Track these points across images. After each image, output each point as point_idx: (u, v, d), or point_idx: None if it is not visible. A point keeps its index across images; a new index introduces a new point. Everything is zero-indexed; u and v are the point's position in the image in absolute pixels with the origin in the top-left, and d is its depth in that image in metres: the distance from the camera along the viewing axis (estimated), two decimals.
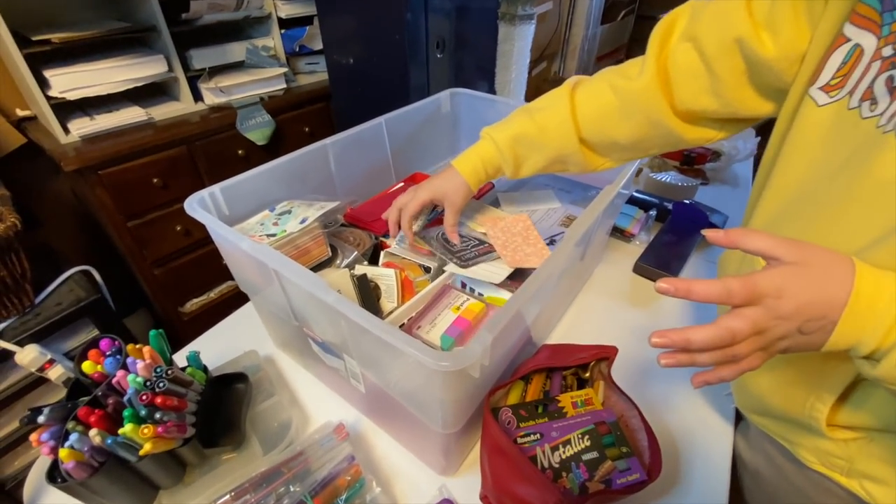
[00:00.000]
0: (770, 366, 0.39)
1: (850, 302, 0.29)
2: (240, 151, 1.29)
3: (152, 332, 0.53)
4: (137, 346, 0.51)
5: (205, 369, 0.60)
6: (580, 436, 0.56)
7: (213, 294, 1.41)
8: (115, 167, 1.09)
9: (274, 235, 0.60)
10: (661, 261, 0.89)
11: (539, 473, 0.45)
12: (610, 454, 0.54)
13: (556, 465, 0.53)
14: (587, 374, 0.65)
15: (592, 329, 0.78)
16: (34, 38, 1.01)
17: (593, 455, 0.54)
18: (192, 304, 1.37)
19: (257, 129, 1.28)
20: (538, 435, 0.55)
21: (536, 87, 2.03)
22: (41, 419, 0.43)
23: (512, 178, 0.63)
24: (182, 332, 1.36)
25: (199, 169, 1.23)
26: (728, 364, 0.34)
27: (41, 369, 0.84)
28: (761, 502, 0.60)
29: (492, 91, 1.37)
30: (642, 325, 0.79)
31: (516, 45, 1.23)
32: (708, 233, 0.35)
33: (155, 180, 1.15)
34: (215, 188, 0.62)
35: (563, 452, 0.54)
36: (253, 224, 0.64)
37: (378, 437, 0.63)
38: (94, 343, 0.50)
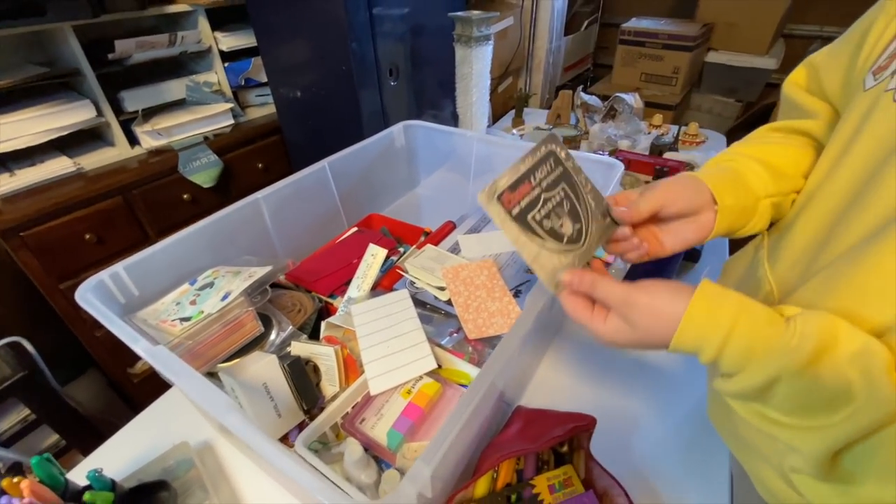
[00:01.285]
0: None
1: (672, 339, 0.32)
2: (185, 196, 1.19)
3: (34, 460, 0.43)
4: (15, 479, 0.42)
5: (112, 485, 0.50)
6: None
7: None
8: (40, 226, 0.98)
9: (189, 319, 0.51)
10: None
11: None
12: None
13: None
14: (564, 449, 0.57)
15: (569, 382, 0.70)
16: None
17: None
18: (143, 364, 1.25)
19: (202, 171, 1.18)
20: None
21: (503, 104, 1.98)
22: None
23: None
24: (134, 395, 1.25)
25: (140, 219, 1.13)
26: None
27: None
28: None
29: (454, 114, 1.31)
30: (624, 369, 0.71)
31: (475, 68, 1.17)
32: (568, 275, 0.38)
33: (87, 236, 1.04)
34: (118, 267, 0.53)
35: None
36: (168, 304, 0.55)
37: None
38: None
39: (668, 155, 1.36)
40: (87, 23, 0.98)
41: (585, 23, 2.36)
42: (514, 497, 0.51)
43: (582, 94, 1.62)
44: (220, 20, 1.25)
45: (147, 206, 1.13)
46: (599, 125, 1.48)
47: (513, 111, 1.75)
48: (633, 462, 0.60)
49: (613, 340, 0.37)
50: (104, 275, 0.51)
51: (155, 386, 0.68)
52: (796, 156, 0.46)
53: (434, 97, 1.38)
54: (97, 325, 1.14)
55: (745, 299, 0.32)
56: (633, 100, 1.57)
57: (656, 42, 2.01)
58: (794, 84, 0.49)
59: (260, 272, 0.58)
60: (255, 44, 1.27)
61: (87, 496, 0.47)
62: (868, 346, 0.27)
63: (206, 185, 1.20)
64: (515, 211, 0.37)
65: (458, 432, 0.34)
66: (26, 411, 0.97)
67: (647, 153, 1.36)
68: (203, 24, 1.19)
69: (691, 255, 0.93)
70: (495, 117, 1.91)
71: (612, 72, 2.25)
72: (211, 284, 0.56)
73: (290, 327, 0.57)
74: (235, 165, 1.28)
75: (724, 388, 0.33)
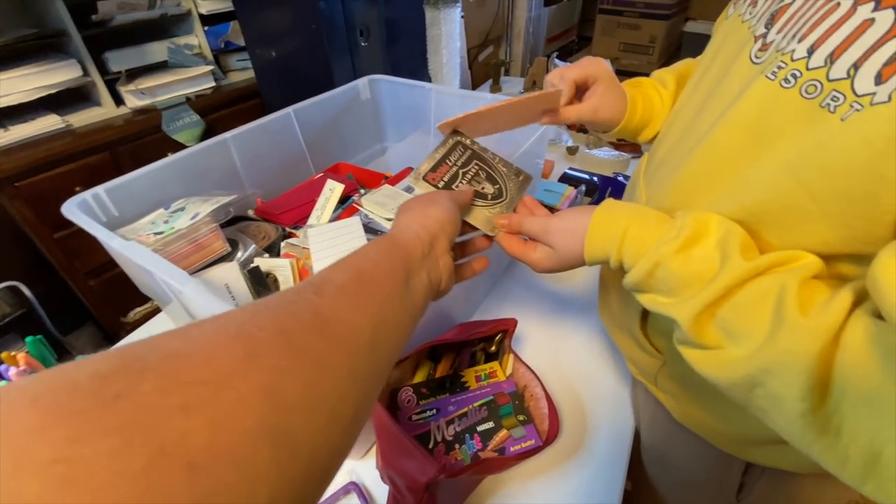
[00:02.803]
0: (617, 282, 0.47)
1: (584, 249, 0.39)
2: (169, 153, 1.25)
3: (29, 339, 0.52)
4: (13, 353, 0.50)
5: None
6: (478, 408, 0.57)
7: (155, 302, 1.38)
8: (34, 177, 1.05)
9: (162, 233, 0.59)
10: None
11: (417, 447, 0.46)
12: (506, 423, 0.55)
13: (450, 439, 0.54)
14: (493, 349, 0.65)
15: (513, 308, 0.79)
16: None
17: (489, 426, 0.55)
18: (136, 314, 1.34)
19: (185, 130, 1.25)
20: (434, 411, 0.56)
21: (484, 73, 2.02)
22: None
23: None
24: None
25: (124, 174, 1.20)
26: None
27: None
28: (652, 459, 0.62)
29: (426, 77, 1.36)
30: (562, 298, 0.80)
31: (444, 29, 1.22)
32: (500, 219, 0.46)
33: (77, 189, 1.11)
34: (99, 189, 0.60)
35: (458, 426, 0.55)
36: (144, 224, 0.63)
37: None
38: None
39: None
40: None
41: None
42: (447, 383, 0.60)
43: (556, 60, 1.67)
44: None
45: (134, 161, 1.20)
46: None
47: (491, 80, 1.80)
48: (562, 368, 0.69)
49: (544, 266, 0.43)
50: (87, 194, 0.59)
51: (148, 333, 0.76)
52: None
53: (407, 61, 1.44)
54: (90, 275, 1.22)
55: (639, 207, 0.37)
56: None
57: (633, 11, 2.05)
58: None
59: (225, 198, 0.66)
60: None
61: None
62: (729, 229, 0.31)
63: (188, 145, 1.27)
64: (441, 185, 0.46)
65: None
66: (24, 349, 1.06)
67: None
68: None
69: None
70: (475, 85, 1.96)
71: (591, 42, 2.29)
72: (182, 209, 0.64)
73: (254, 246, 0.65)
74: (217, 127, 1.34)
75: (626, 282, 0.36)
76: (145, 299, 1.37)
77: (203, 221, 0.61)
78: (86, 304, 1.27)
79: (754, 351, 0.27)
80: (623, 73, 1.99)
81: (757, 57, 0.31)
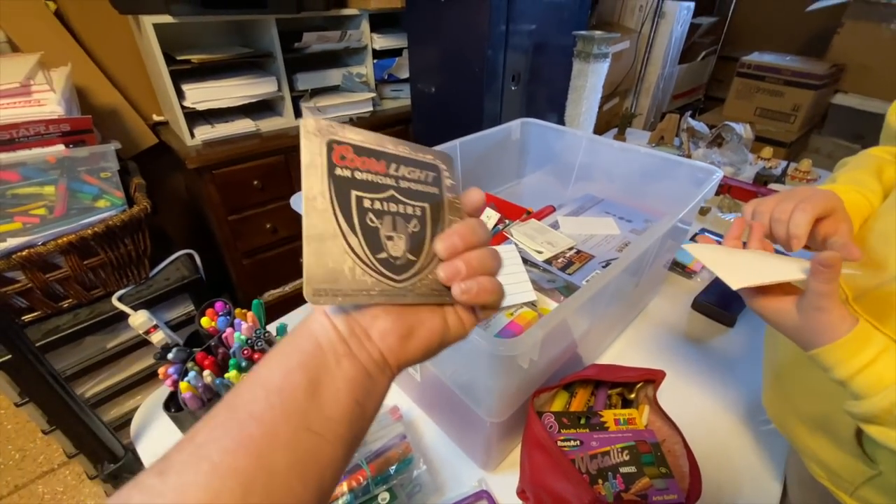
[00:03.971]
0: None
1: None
2: None
3: (255, 301, 0.63)
4: (243, 311, 0.62)
5: None
6: (620, 450, 0.58)
7: (287, 288, 1.56)
8: (226, 168, 1.27)
9: None
10: (721, 299, 0.88)
11: (577, 472, 0.49)
12: (649, 472, 0.56)
13: (594, 473, 0.56)
14: (632, 395, 0.66)
15: (642, 357, 0.79)
16: (178, 58, 1.23)
17: (631, 469, 0.56)
18: (270, 295, 1.52)
19: None
20: (578, 442, 0.58)
21: (607, 122, 2.06)
22: (170, 356, 0.54)
23: None
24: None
25: (292, 175, 1.40)
26: None
27: (147, 332, 0.99)
28: None
29: (561, 122, 1.43)
30: (696, 362, 0.79)
31: (589, 82, 1.29)
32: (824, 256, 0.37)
33: (255, 182, 1.32)
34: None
35: (601, 462, 0.57)
36: None
37: (427, 427, 0.68)
38: (210, 304, 0.61)
39: (772, 187, 1.35)
40: (288, 17, 1.26)
41: (703, 53, 2.37)
42: (582, 420, 0.62)
43: (689, 119, 1.66)
44: (377, 23, 1.50)
45: (298, 167, 1.39)
46: (703, 150, 1.51)
47: (615, 129, 1.83)
48: (693, 434, 0.67)
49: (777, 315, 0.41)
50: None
51: (278, 313, 0.84)
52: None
53: (543, 106, 1.52)
54: (245, 255, 1.42)
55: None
56: (743, 130, 1.58)
57: (778, 77, 1.97)
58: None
59: None
60: (401, 45, 1.51)
61: (278, 337, 0.66)
62: None
63: None
64: (339, 172, 0.26)
65: (559, 321, 0.46)
66: (190, 307, 1.25)
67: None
68: (365, 25, 1.45)
69: None
70: (597, 133, 1.99)
71: (723, 104, 2.23)
72: None
73: None
74: None
75: (857, 410, 0.36)
76: (279, 284, 1.56)
77: None
78: (233, 278, 1.48)
79: None
80: (758, 140, 1.91)
81: None
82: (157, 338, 1.01)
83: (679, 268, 1.01)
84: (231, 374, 0.52)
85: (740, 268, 0.43)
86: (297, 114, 1.42)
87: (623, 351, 0.81)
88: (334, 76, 1.45)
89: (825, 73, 1.90)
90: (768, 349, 0.59)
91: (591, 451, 0.57)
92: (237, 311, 0.60)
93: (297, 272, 1.56)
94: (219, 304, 0.60)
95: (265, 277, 1.49)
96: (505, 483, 0.61)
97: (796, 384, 0.50)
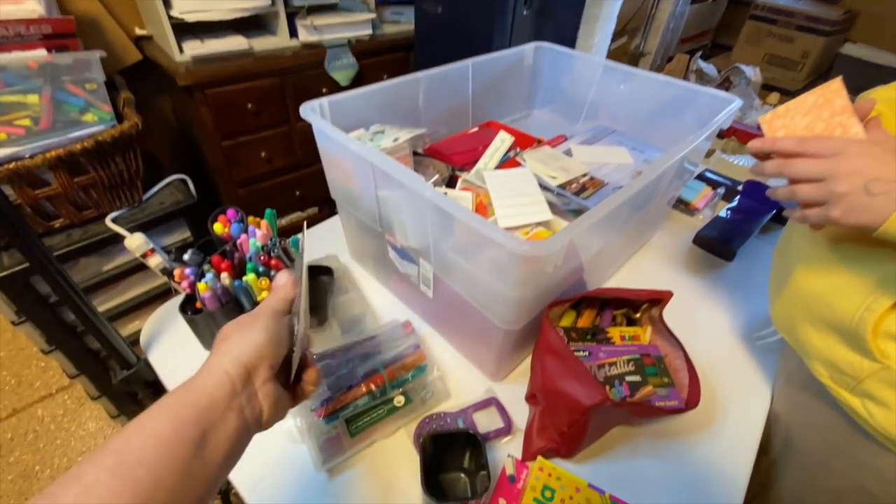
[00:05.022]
0: (831, 268, 0.47)
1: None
2: (324, 89, 1.37)
3: (268, 211, 0.62)
4: (256, 219, 0.61)
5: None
6: (626, 361, 0.61)
7: (283, 221, 1.53)
8: (219, 88, 1.20)
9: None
10: (723, 234, 0.90)
11: (588, 373, 0.51)
12: (652, 381, 0.59)
13: (601, 380, 0.59)
14: (637, 315, 0.69)
15: (644, 286, 0.81)
16: None
17: (636, 378, 0.59)
18: None
19: (342, 70, 1.35)
20: (587, 352, 0.61)
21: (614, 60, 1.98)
22: (186, 258, 0.53)
23: None
24: None
25: (287, 101, 1.33)
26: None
27: (144, 256, 0.98)
28: (788, 458, 0.63)
29: None
30: (695, 291, 0.81)
31: (604, 9, 1.23)
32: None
33: (249, 105, 1.25)
34: (324, 100, 0.69)
35: (609, 371, 0.59)
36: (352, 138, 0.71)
37: (436, 343, 0.70)
38: (222, 210, 0.59)
39: None
40: None
41: None
42: (589, 335, 0.65)
43: (699, 61, 1.61)
44: None
45: (295, 90, 1.32)
46: None
47: None
48: (693, 353, 0.71)
49: (844, 150, 0.39)
50: (315, 103, 0.67)
51: None
52: None
53: (555, 38, 1.45)
54: (241, 184, 1.38)
55: None
56: (752, 73, 1.54)
57: (790, 21, 1.91)
58: None
59: (417, 131, 0.73)
60: None
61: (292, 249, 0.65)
62: None
63: (342, 83, 1.38)
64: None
65: (580, 229, 0.46)
66: (186, 233, 1.22)
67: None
68: None
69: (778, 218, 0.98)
70: None
71: (732, 49, 2.17)
72: (382, 132, 0.72)
73: (437, 175, 0.72)
74: (366, 72, 1.44)
75: None
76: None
77: (402, 145, 0.69)
78: None
79: None
80: (765, 87, 1.87)
81: None
82: (155, 262, 0.98)
83: (683, 205, 1.02)
84: (249, 276, 0.52)
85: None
86: (293, 33, 1.33)
87: (625, 280, 0.83)
88: None
89: (838, 18, 1.84)
90: (778, 264, 0.61)
91: (599, 361, 0.60)
92: (250, 218, 0.59)
93: (293, 204, 1.53)
94: (231, 212, 0.59)
95: (259, 210, 1.43)
96: (512, 391, 0.64)
97: (812, 285, 0.52)
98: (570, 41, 1.39)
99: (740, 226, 0.94)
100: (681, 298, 0.80)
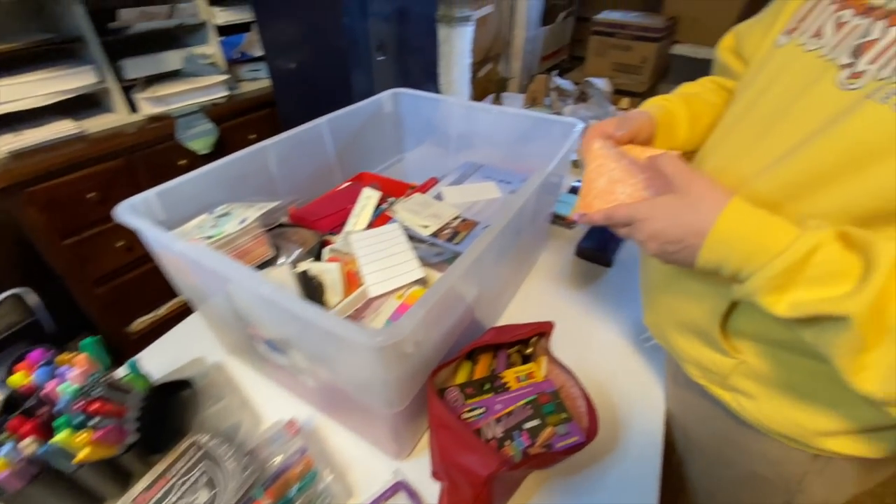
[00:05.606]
0: (680, 276, 0.51)
1: (709, 232, 0.37)
2: (182, 162, 1.26)
3: (87, 340, 0.52)
4: (70, 354, 0.50)
5: (146, 378, 0.59)
6: (523, 406, 0.59)
7: (161, 311, 1.36)
8: (46, 183, 1.04)
9: (212, 237, 0.60)
10: (599, 243, 0.94)
11: (480, 441, 0.48)
12: (550, 421, 0.58)
13: (500, 436, 0.56)
14: (529, 350, 0.68)
15: (539, 311, 0.82)
16: None
17: (535, 423, 0.57)
18: (140, 323, 1.32)
19: (199, 139, 1.25)
20: (483, 409, 0.58)
21: (484, 88, 2.09)
22: None
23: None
24: (130, 352, 1.30)
25: (140, 181, 1.20)
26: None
27: None
28: (690, 453, 0.65)
29: (437, 91, 1.41)
30: (584, 304, 0.84)
31: (455, 47, 1.27)
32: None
33: (91, 195, 1.10)
34: (150, 193, 0.61)
35: (507, 423, 0.57)
36: (191, 228, 0.64)
37: (332, 431, 0.64)
38: (21, 357, 0.49)
39: None
40: None
41: (562, 15, 2.49)
42: (487, 385, 0.62)
43: (556, 78, 1.74)
44: None
45: (147, 168, 1.19)
46: (572, 107, 1.60)
47: (492, 95, 1.86)
48: (589, 369, 0.72)
49: (647, 215, 0.42)
50: (138, 198, 0.59)
51: (152, 343, 0.76)
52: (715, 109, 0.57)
53: (418, 76, 1.48)
54: (97, 283, 1.20)
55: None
56: (603, 84, 1.70)
57: (625, 33, 2.15)
58: (723, 48, 0.61)
59: (270, 205, 0.67)
60: (249, 19, 1.34)
61: (128, 377, 0.56)
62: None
63: (202, 152, 1.27)
64: None
65: (442, 294, 0.44)
66: None
67: None
68: None
69: None
70: (475, 99, 2.02)
71: (585, 62, 2.39)
72: (228, 214, 0.65)
73: (299, 251, 0.66)
74: (229, 135, 1.35)
75: (748, 285, 0.36)
76: (150, 308, 1.35)
77: (252, 226, 0.63)
78: (88, 313, 1.25)
79: None
80: (617, 92, 2.08)
81: (850, 83, 0.35)
82: None
83: (560, 220, 1.07)
84: (60, 435, 0.42)
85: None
86: (134, 108, 1.21)
87: (520, 306, 0.83)
88: (172, 59, 1.24)
89: (663, 25, 2.11)
90: (643, 272, 0.64)
91: (496, 414, 0.58)
92: (61, 357, 0.49)
93: (166, 292, 1.36)
94: (35, 354, 0.48)
95: (128, 304, 1.27)
96: (422, 467, 0.59)
97: (668, 296, 0.55)
98: (434, 75, 1.43)
99: (612, 232, 0.99)
100: (571, 314, 0.82)
